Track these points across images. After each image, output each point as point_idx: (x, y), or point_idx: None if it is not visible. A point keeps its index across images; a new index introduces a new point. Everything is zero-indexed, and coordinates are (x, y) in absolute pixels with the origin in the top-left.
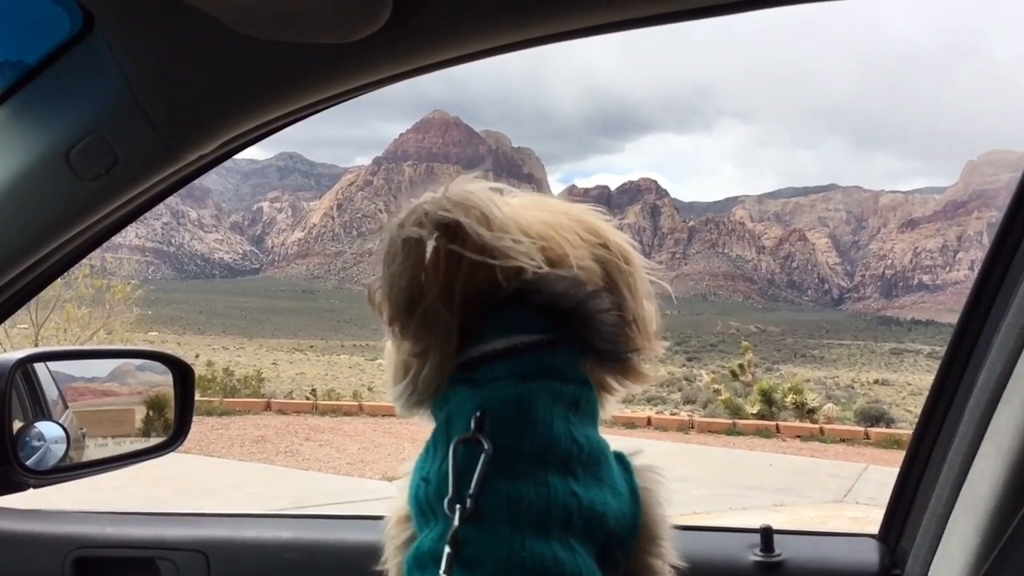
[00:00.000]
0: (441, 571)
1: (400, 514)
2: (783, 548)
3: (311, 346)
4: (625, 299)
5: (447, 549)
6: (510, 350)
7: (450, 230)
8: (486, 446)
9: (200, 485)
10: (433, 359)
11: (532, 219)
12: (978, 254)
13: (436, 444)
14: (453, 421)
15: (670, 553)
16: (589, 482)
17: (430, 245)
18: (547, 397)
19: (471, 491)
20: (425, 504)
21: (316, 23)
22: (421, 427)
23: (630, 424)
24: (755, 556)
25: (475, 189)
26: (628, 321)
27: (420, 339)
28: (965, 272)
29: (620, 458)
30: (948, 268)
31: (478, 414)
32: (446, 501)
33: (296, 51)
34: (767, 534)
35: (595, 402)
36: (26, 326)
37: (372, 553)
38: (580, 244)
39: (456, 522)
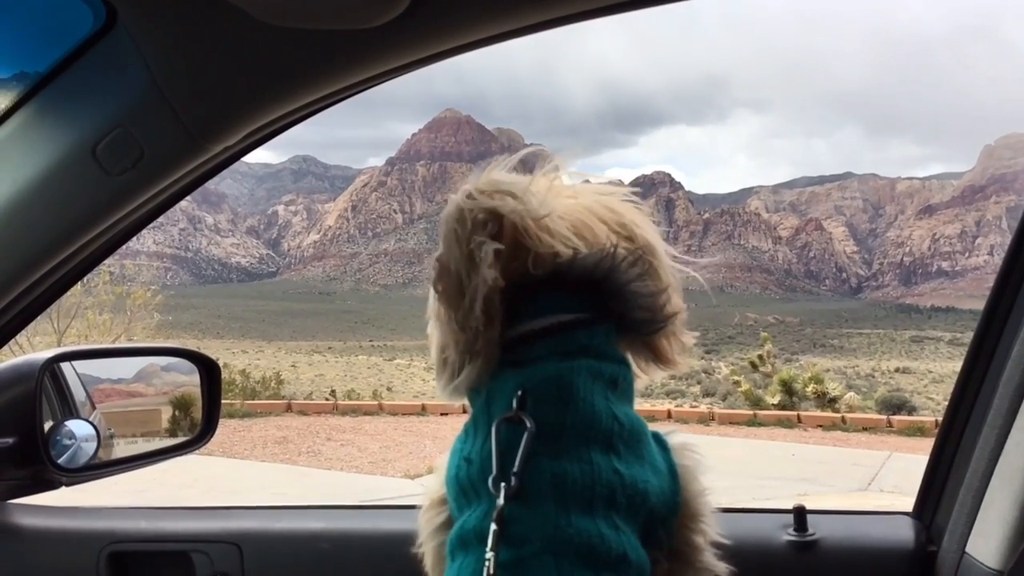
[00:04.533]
0: (488, 549)
1: (435, 497)
2: (816, 527)
3: (329, 347)
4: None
5: (493, 527)
6: (548, 329)
7: (491, 221)
8: (529, 424)
9: (225, 487)
10: (478, 358)
11: (567, 204)
12: (997, 239)
13: (477, 425)
14: (494, 401)
15: (712, 529)
16: (631, 460)
17: (478, 242)
18: (587, 375)
19: (515, 469)
20: (467, 484)
21: (337, 9)
22: (441, 426)
23: (650, 418)
24: (789, 536)
25: (508, 178)
26: (658, 292)
27: (473, 338)
28: (984, 258)
29: (656, 437)
30: (967, 254)
31: (519, 393)
32: (490, 480)
33: (318, 38)
34: (800, 514)
35: (632, 381)
36: (48, 335)
37: (404, 541)
38: (611, 231)
39: (501, 500)
